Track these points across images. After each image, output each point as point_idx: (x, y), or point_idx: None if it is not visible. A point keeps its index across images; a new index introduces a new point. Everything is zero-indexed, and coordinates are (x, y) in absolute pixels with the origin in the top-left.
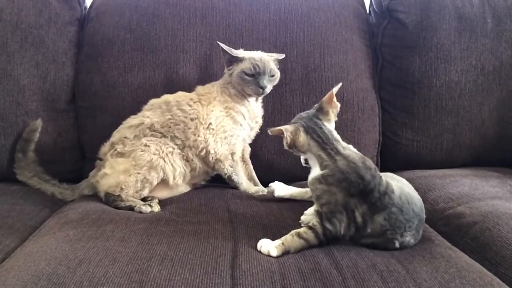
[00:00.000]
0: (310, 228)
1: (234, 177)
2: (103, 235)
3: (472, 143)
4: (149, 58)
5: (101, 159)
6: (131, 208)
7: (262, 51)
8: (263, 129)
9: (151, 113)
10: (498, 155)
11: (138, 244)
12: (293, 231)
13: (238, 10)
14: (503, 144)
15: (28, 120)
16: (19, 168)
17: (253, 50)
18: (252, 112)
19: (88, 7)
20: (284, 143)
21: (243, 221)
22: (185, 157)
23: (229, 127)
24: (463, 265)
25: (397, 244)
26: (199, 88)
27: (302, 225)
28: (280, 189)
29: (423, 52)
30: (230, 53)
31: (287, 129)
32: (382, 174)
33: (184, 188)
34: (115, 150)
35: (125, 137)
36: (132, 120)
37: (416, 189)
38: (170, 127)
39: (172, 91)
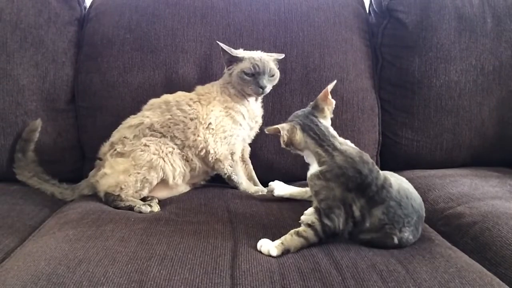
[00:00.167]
0: (309, 226)
1: (233, 177)
2: (103, 235)
3: (472, 143)
4: (149, 58)
5: (100, 159)
6: (130, 208)
7: (261, 51)
8: (262, 129)
9: (151, 113)
10: (498, 155)
11: (137, 244)
12: (292, 231)
13: (238, 10)
14: (503, 144)
15: (27, 120)
16: (18, 168)
17: (253, 50)
18: (251, 112)
19: (87, 7)
20: (281, 142)
21: (242, 221)
22: (184, 157)
23: (228, 127)
24: (463, 265)
25: (395, 240)
26: (199, 88)
27: (302, 224)
28: (280, 188)
29: (423, 52)
30: (230, 53)
31: (283, 128)
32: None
33: (183, 188)
34: (115, 150)
35: (124, 137)
36: (132, 120)
37: (416, 189)
38: (169, 127)
39: (171, 91)
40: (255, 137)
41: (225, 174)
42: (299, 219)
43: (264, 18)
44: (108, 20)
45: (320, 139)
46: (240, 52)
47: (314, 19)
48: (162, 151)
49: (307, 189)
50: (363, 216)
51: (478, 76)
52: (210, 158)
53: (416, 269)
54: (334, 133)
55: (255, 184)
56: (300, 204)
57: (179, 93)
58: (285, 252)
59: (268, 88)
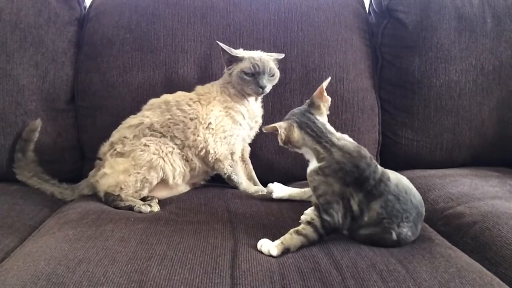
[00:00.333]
0: (309, 223)
1: (233, 176)
2: (103, 235)
3: (472, 142)
4: (149, 58)
5: (100, 159)
6: (130, 208)
7: (261, 50)
8: (263, 129)
9: (151, 113)
10: (498, 155)
11: (137, 243)
12: (291, 230)
13: (238, 10)
14: (503, 144)
15: (27, 120)
16: (18, 168)
17: (253, 50)
18: (251, 112)
19: (87, 7)
20: (279, 140)
21: (242, 220)
22: (184, 157)
23: (228, 127)
24: (463, 265)
25: (394, 236)
26: (199, 88)
27: (301, 223)
28: (279, 190)
29: (423, 52)
30: (230, 52)
31: (281, 126)
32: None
33: (183, 188)
34: (115, 150)
35: (124, 137)
36: (132, 120)
37: (416, 188)
38: (169, 127)
39: (171, 91)
40: (255, 137)
41: (225, 174)
42: (299, 219)
43: (264, 18)
44: (108, 20)
45: (317, 136)
46: (240, 52)
47: (314, 19)
48: (162, 151)
49: (306, 189)
50: (362, 210)
51: (478, 76)
52: (210, 158)
53: (416, 268)
54: (331, 129)
55: (255, 184)
56: (300, 204)
57: (179, 93)
58: (285, 251)
59: (268, 88)
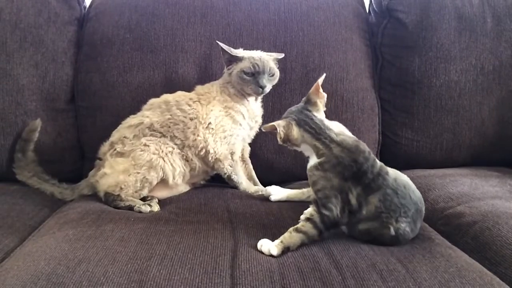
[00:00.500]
0: (308, 219)
1: (233, 176)
2: (103, 234)
3: (472, 142)
4: (149, 58)
5: (100, 159)
6: (130, 208)
7: (261, 50)
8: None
9: (151, 112)
10: (498, 154)
11: (137, 243)
12: (290, 228)
13: (238, 10)
14: (503, 144)
15: (27, 120)
16: (18, 168)
17: (253, 50)
18: (251, 112)
19: (87, 6)
20: (278, 138)
21: (242, 220)
22: (184, 157)
23: (228, 127)
24: (463, 265)
25: (392, 231)
26: (199, 88)
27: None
28: (277, 192)
29: (423, 52)
30: (230, 52)
31: (279, 124)
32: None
33: (183, 188)
34: (115, 149)
35: (124, 137)
36: (132, 119)
37: (416, 188)
38: (169, 126)
39: (171, 90)
40: (255, 136)
41: (225, 173)
42: (299, 219)
43: (264, 17)
44: (108, 19)
45: (316, 132)
46: (239, 52)
47: (314, 18)
48: (162, 151)
49: (304, 190)
50: (360, 204)
51: (478, 76)
52: (210, 158)
53: (416, 268)
54: (329, 124)
55: (255, 184)
56: (300, 204)
57: (179, 92)
58: (286, 250)
59: (268, 88)
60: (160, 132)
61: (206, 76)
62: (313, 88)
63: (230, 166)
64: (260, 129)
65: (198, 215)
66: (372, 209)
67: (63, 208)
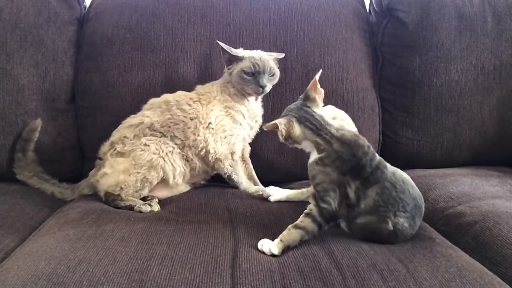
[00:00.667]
0: (307, 214)
1: (234, 176)
2: (103, 234)
3: (472, 142)
4: (149, 58)
5: (101, 159)
6: (131, 208)
7: (261, 50)
8: (263, 128)
9: (151, 112)
10: (498, 154)
11: (138, 243)
12: (289, 226)
13: (238, 9)
14: (504, 143)
15: (27, 120)
16: (18, 168)
17: (253, 49)
18: (252, 111)
19: (87, 6)
20: (280, 136)
21: (243, 220)
22: (185, 157)
23: (228, 127)
24: (464, 264)
25: (390, 225)
26: (199, 88)
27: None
28: (276, 193)
29: (423, 51)
30: (230, 52)
31: (280, 122)
32: None
33: (184, 188)
34: (115, 149)
35: (125, 137)
36: (132, 119)
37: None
38: (169, 126)
39: (171, 90)
40: (255, 136)
41: (225, 173)
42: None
43: (264, 17)
44: (108, 19)
45: (317, 128)
46: (240, 52)
47: (314, 18)
48: (162, 151)
49: (304, 190)
50: (358, 197)
51: (478, 75)
52: (210, 158)
53: (417, 268)
54: (329, 120)
55: (255, 184)
56: (300, 204)
57: (179, 92)
58: (286, 248)
59: (268, 88)
60: (161, 132)
61: (206, 75)
62: (310, 84)
63: (231, 166)
64: (260, 129)
65: (198, 215)
66: (370, 203)
67: (64, 208)
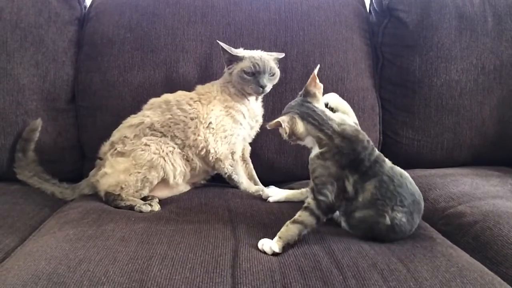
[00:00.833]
0: (305, 208)
1: (234, 176)
2: (103, 234)
3: (472, 142)
4: (149, 57)
5: (101, 159)
6: (131, 208)
7: (262, 50)
8: (263, 128)
9: (151, 112)
10: (498, 154)
11: (138, 243)
12: (287, 222)
13: (238, 9)
14: (504, 143)
15: (28, 120)
16: (19, 168)
17: (253, 49)
18: (252, 111)
19: (88, 6)
20: (283, 134)
21: (243, 220)
22: (185, 157)
23: (229, 126)
24: (464, 264)
25: (387, 220)
26: (199, 87)
27: None
28: (275, 194)
29: (424, 51)
30: (230, 52)
31: (284, 120)
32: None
33: (184, 188)
34: (115, 149)
35: (125, 137)
36: (132, 119)
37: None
38: (170, 126)
39: (172, 90)
40: (255, 136)
41: (226, 173)
42: None
43: (264, 17)
44: (108, 19)
45: (319, 123)
46: (240, 51)
47: (315, 18)
48: (163, 151)
49: (303, 190)
50: (356, 191)
51: (478, 75)
52: (211, 158)
53: (417, 268)
54: (330, 115)
55: (255, 184)
56: (300, 204)
57: (180, 92)
58: (286, 245)
59: (268, 87)
60: (161, 132)
61: (206, 75)
62: (309, 79)
63: (231, 166)
64: (260, 128)
65: (198, 214)
66: (368, 196)
67: (64, 208)
